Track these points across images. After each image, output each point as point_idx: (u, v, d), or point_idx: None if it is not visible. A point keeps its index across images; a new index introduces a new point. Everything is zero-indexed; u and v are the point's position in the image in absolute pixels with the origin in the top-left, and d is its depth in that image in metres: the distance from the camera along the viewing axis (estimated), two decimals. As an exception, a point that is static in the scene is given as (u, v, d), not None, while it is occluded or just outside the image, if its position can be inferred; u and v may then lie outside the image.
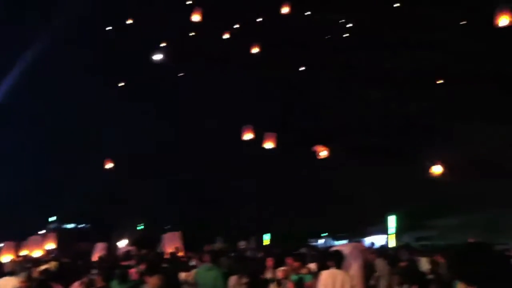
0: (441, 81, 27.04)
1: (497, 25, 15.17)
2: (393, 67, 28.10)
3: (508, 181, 23.93)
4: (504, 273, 2.83)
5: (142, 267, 10.13)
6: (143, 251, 17.13)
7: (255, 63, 27.16)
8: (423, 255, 12.19)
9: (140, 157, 30.87)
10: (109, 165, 24.93)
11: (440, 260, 11.33)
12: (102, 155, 25.52)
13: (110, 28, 32.58)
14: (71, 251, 22.11)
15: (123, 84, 32.91)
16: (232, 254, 15.89)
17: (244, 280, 8.93)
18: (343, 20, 30.45)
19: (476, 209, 26.09)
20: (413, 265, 11.38)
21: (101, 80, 31.12)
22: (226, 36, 28.69)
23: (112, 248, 22.15)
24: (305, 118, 31.94)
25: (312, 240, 32.76)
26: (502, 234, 23.58)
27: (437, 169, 21.02)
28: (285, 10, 25.02)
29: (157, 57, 27.37)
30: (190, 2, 28.67)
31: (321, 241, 34.13)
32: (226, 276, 9.74)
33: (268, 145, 20.13)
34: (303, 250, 15.60)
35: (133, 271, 10.55)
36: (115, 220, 30.52)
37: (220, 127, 29.08)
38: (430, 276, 9.45)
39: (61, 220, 38.50)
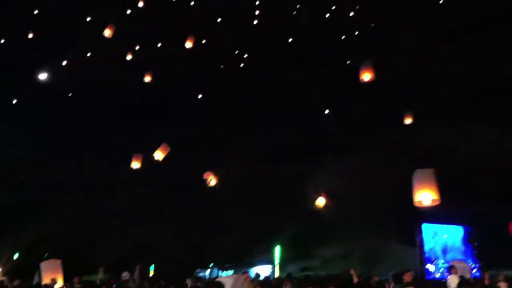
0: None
1: (363, 80, 16.53)
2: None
3: (387, 210, 24.68)
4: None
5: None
6: (16, 282, 16.08)
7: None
8: (304, 286, 12.47)
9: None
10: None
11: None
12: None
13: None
14: None
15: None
16: (114, 286, 15.39)
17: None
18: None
19: (357, 238, 26.80)
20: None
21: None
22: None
23: (-18, 278, 20.72)
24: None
25: (200, 270, 32.38)
26: (381, 264, 24.65)
27: (320, 200, 21.63)
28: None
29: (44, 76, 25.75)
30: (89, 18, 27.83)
31: (208, 272, 33.89)
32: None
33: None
34: (188, 281, 15.41)
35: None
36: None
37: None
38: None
39: None
